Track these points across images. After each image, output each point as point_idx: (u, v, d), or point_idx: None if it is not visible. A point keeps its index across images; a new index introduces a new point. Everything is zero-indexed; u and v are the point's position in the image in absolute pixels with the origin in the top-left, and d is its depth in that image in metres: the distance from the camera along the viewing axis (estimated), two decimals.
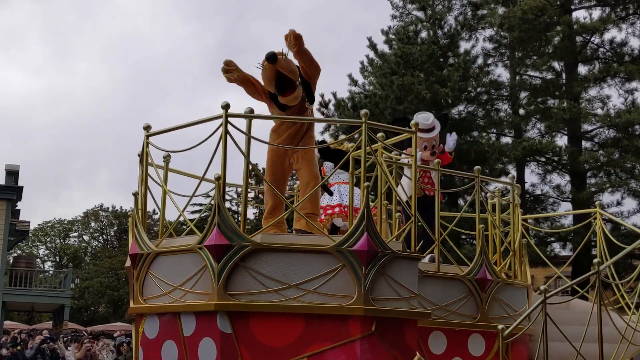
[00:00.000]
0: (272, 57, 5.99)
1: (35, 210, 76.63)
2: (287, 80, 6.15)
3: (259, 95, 6.43)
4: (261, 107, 6.51)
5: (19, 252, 50.67)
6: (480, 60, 22.98)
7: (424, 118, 8.01)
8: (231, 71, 6.25)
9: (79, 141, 79.35)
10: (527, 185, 22.00)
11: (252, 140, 5.69)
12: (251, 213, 31.66)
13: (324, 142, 7.68)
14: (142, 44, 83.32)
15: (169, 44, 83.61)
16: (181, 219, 6.01)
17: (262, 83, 6.34)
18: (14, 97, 78.50)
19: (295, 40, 6.08)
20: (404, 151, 7.38)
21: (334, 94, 22.55)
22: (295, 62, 6.31)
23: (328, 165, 7.70)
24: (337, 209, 7.28)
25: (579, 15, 22.49)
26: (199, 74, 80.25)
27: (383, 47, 23.04)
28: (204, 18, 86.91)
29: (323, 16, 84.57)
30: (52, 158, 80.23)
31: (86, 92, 78.77)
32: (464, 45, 22.78)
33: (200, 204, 28.27)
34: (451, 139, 8.37)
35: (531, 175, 23.47)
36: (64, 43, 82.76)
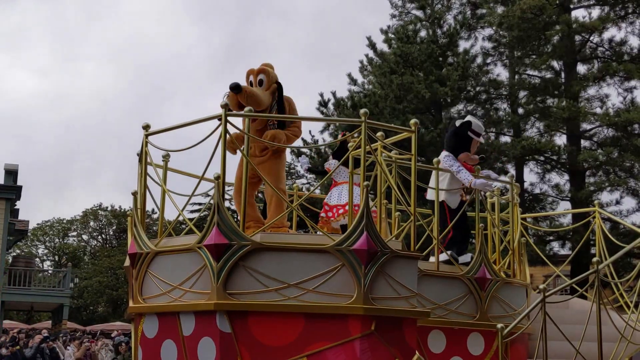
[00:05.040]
0: (235, 88, 6.14)
1: (39, 210, 76.72)
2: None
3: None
4: None
5: (18, 251, 50.65)
6: (479, 60, 22.99)
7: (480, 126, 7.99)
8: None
9: (83, 142, 79.32)
10: (526, 184, 21.98)
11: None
12: None
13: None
14: (148, 45, 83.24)
15: (175, 46, 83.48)
16: (180, 218, 6.01)
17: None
18: (19, 98, 78.50)
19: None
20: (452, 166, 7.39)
21: (334, 93, 22.57)
22: (267, 94, 6.37)
23: (332, 162, 7.75)
24: (341, 210, 7.38)
25: (578, 14, 22.45)
26: (204, 76, 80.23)
27: (382, 47, 23.06)
28: (211, 20, 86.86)
29: (329, 18, 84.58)
30: (55, 158, 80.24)
31: (91, 94, 78.70)
32: (463, 45, 22.79)
33: (200, 203, 28.22)
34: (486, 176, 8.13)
35: (530, 174, 23.49)
36: (70, 44, 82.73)
